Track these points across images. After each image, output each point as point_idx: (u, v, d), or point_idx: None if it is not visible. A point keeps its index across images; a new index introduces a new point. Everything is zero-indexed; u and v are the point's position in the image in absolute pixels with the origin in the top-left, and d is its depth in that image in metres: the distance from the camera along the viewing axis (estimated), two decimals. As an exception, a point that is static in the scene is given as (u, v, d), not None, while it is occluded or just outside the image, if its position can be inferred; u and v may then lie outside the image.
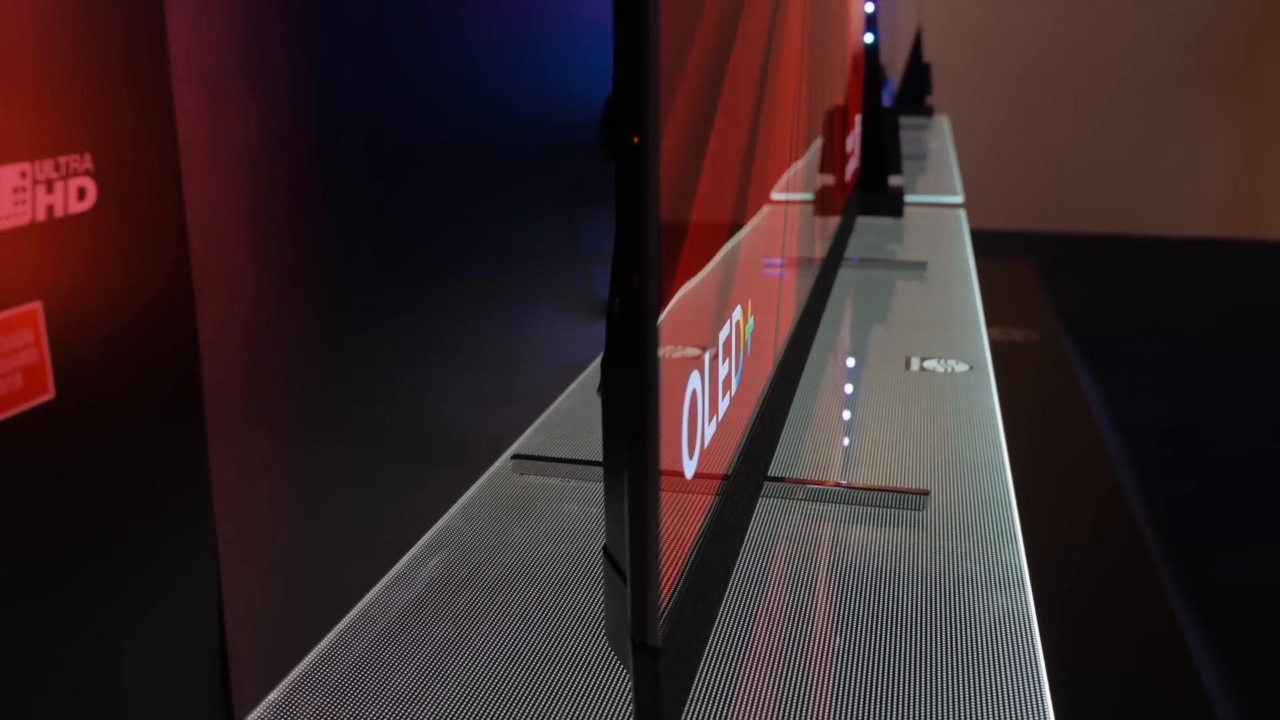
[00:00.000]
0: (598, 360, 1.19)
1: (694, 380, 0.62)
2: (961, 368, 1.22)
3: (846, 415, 1.12)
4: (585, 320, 1.20)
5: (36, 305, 0.43)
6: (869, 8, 2.26)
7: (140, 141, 0.48)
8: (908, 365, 1.23)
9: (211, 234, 0.55)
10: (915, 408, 1.10)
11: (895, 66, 4.10)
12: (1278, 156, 5.27)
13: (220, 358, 0.57)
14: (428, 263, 0.81)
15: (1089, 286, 4.53)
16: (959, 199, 2.34)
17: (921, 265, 1.70)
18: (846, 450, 1.02)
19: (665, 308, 0.54)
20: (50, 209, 0.44)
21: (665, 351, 0.54)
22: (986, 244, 4.73)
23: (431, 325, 0.83)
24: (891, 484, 0.91)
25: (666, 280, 0.55)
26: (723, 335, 0.69)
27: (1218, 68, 5.22)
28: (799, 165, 1.13)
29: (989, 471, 0.95)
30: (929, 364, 1.23)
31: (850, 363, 1.28)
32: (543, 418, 1.06)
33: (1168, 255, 5.06)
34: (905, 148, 3.14)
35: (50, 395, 0.44)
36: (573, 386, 1.15)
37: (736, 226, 0.77)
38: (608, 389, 0.54)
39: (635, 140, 0.50)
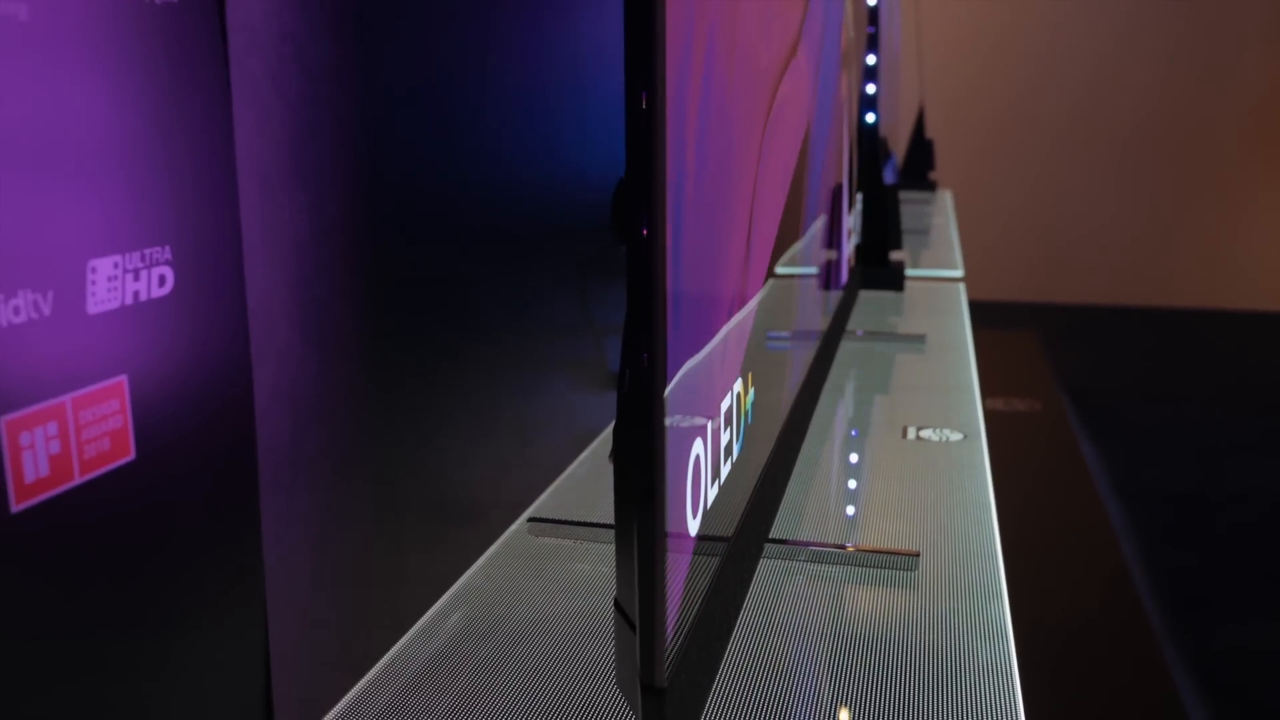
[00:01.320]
0: (609, 429, 1.25)
1: (698, 446, 0.68)
2: (956, 437, 1.28)
3: (845, 481, 1.17)
4: (597, 391, 1.26)
5: (123, 379, 0.50)
6: (870, 89, 2.36)
7: (209, 234, 0.55)
8: (904, 434, 1.29)
9: (265, 314, 0.62)
10: (910, 474, 1.16)
11: (899, 142, 4.20)
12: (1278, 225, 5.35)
13: (271, 425, 0.63)
14: (452, 337, 0.88)
15: (1093, 357, 4.58)
16: (959, 273, 2.41)
17: (920, 338, 1.77)
18: (844, 514, 1.07)
19: (671, 381, 0.60)
20: (136, 294, 0.50)
21: (671, 421, 0.60)
22: (991, 315, 4.81)
23: (454, 395, 0.90)
24: (885, 546, 0.96)
25: (673, 355, 0.61)
26: (724, 405, 0.75)
27: (1219, 141, 5.33)
28: (803, 242, 1.20)
29: (978, 534, 1.01)
30: (925, 433, 1.29)
31: (850, 431, 1.34)
32: (557, 483, 1.12)
33: (1171, 326, 5.12)
34: (908, 223, 3.23)
35: (131, 456, 0.50)
36: (585, 454, 1.21)
37: (741, 302, 0.83)
38: (619, 455, 0.60)
39: (644, 232, 0.56)
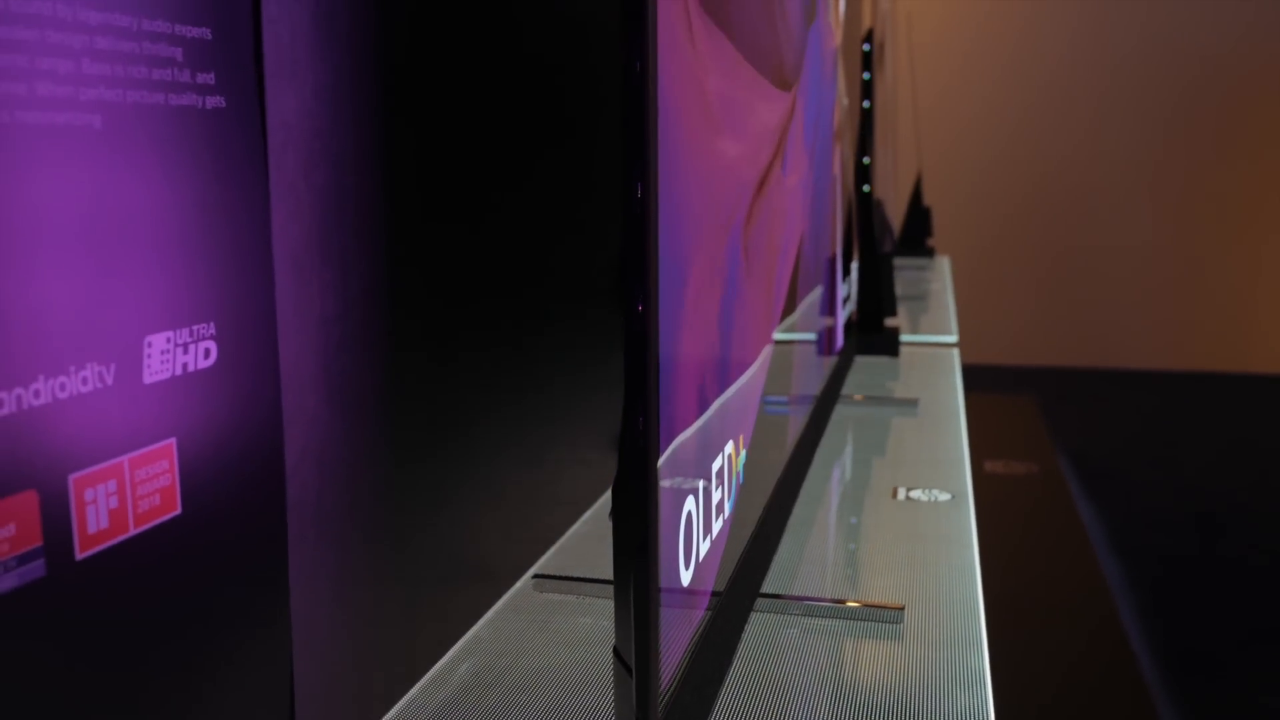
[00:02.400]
0: (608, 493, 1.30)
1: (689, 504, 0.73)
2: (944, 497, 1.33)
3: (836, 539, 1.22)
4: (598, 457, 1.32)
5: (172, 441, 0.56)
6: (865, 160, 2.44)
7: (248, 312, 0.61)
8: (895, 495, 1.34)
9: (295, 383, 0.68)
10: (899, 532, 1.21)
11: (897, 210, 4.29)
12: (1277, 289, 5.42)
13: (298, 483, 0.69)
14: (462, 402, 0.94)
15: (1092, 420, 4.63)
16: (953, 338, 2.47)
17: (914, 402, 1.82)
18: (834, 570, 1.12)
19: (667, 449, 0.66)
20: (185, 365, 0.56)
21: (664, 480, 0.66)
22: (989, 379, 4.86)
23: (465, 458, 0.95)
24: (872, 600, 1.01)
25: (667, 420, 0.67)
26: (715, 466, 0.81)
27: (1217, 204, 5.41)
28: (800, 309, 1.26)
29: (962, 588, 1.06)
30: (914, 493, 1.34)
31: (842, 491, 1.39)
32: (561, 542, 1.17)
33: (1171, 389, 5.17)
34: (906, 289, 3.30)
35: (178, 511, 0.56)
36: (587, 515, 1.27)
37: (736, 369, 0.89)
38: (617, 512, 0.66)
39: (639, 308, 0.63)
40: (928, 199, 4.58)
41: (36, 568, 0.48)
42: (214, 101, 0.58)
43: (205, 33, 0.57)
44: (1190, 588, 2.85)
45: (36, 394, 0.47)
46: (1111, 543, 3.11)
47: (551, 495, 1.18)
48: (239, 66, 0.60)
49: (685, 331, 0.72)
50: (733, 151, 0.86)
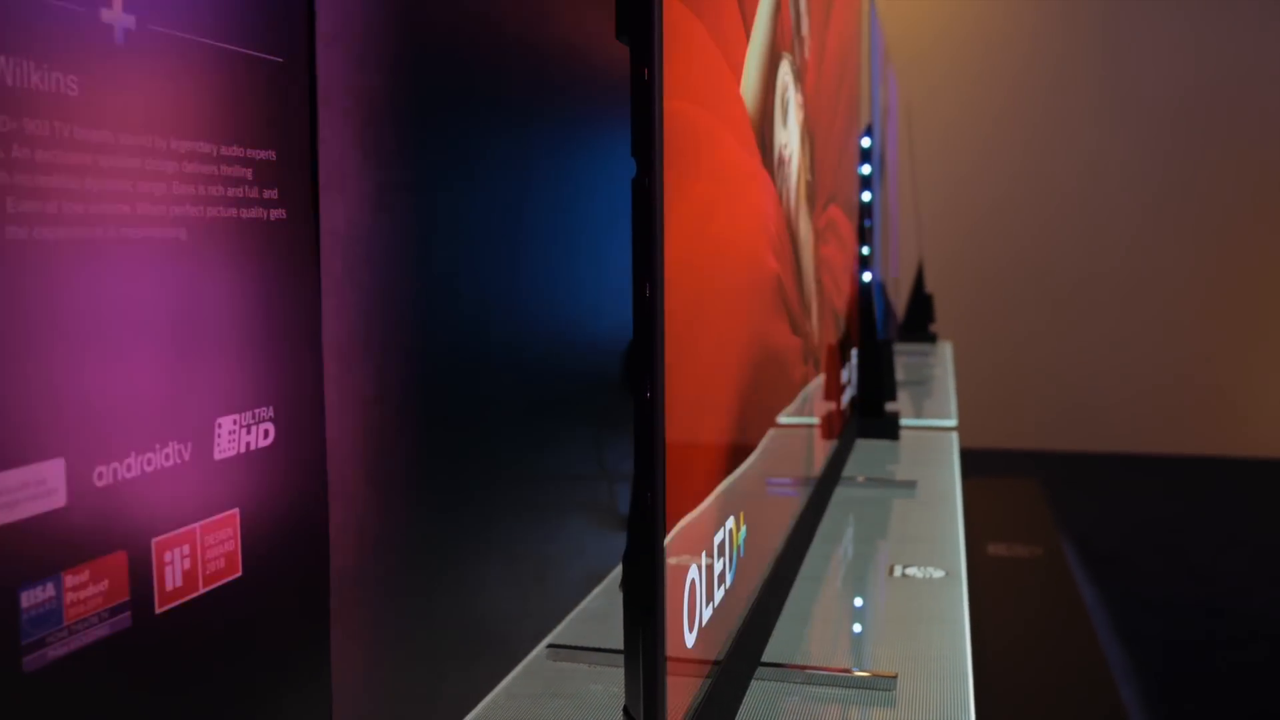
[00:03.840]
0: (619, 568, 1.37)
1: (693, 572, 0.80)
2: (939, 574, 1.39)
3: (834, 612, 1.29)
4: (609, 531, 1.38)
5: (236, 511, 0.63)
6: (864, 250, 2.53)
7: (300, 397, 0.69)
8: (891, 572, 1.41)
9: (339, 461, 0.76)
10: (894, 606, 1.27)
11: (900, 296, 4.39)
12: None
13: (339, 553, 0.76)
14: (483, 480, 1.01)
15: (1096, 504, 4.67)
16: (953, 422, 2.54)
17: (912, 484, 1.89)
18: (832, 640, 1.18)
19: (672, 529, 0.73)
20: (248, 444, 0.64)
21: (670, 553, 0.73)
22: (992, 463, 4.91)
23: (484, 534, 1.02)
24: (867, 669, 1.07)
25: (674, 499, 0.74)
26: (717, 539, 0.88)
27: (1220, 291, 5.50)
28: (801, 395, 1.34)
29: (952, 658, 1.12)
30: (910, 570, 1.41)
31: (840, 568, 1.45)
32: (574, 614, 1.24)
33: (1176, 473, 5.21)
34: (908, 374, 3.38)
35: (239, 573, 0.63)
36: (598, 589, 1.33)
37: (741, 452, 0.97)
38: (627, 584, 0.73)
39: (647, 395, 0.70)
40: (930, 285, 4.68)
41: (124, 619, 0.55)
42: (277, 214, 0.67)
43: (271, 154, 0.66)
44: (1194, 673, 2.88)
45: (129, 467, 0.55)
46: (1115, 627, 3.15)
47: (565, 567, 1.25)
48: (298, 182, 0.69)
49: (691, 417, 0.80)
50: (735, 250, 0.95)
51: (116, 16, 0.54)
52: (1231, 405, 5.51)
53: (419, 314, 0.88)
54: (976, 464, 4.15)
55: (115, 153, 0.53)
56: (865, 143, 2.69)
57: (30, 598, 0.50)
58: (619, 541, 1.39)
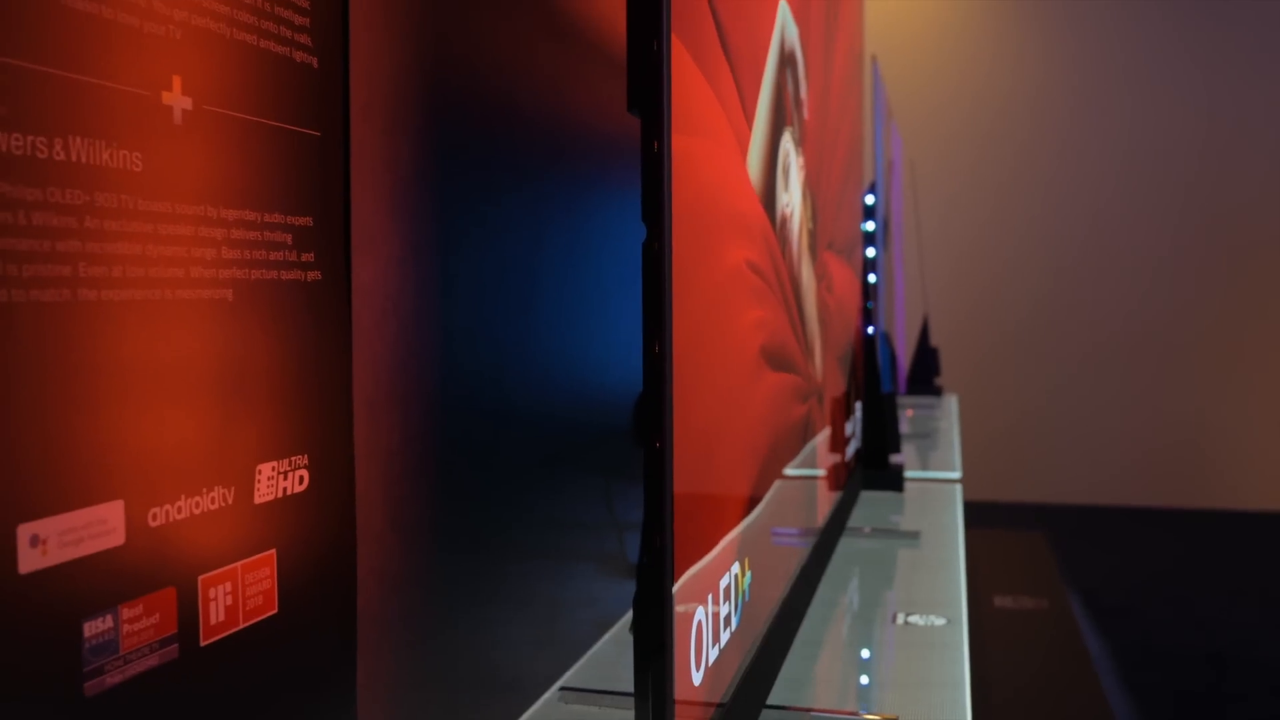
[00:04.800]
0: (628, 614, 1.40)
1: (699, 614, 0.84)
2: (940, 621, 1.43)
3: (838, 657, 1.32)
4: (618, 579, 1.42)
5: (273, 551, 0.68)
6: (869, 304, 2.58)
7: (332, 445, 0.74)
8: (894, 619, 1.44)
9: (366, 507, 0.80)
10: (895, 652, 1.31)
11: (906, 349, 4.43)
12: None
13: (365, 593, 0.80)
14: (497, 527, 1.06)
15: (1102, 557, 4.68)
16: (957, 474, 2.58)
17: (916, 534, 1.93)
18: (836, 684, 1.22)
19: (681, 575, 0.78)
20: (284, 490, 0.69)
21: (678, 599, 0.77)
22: (998, 516, 4.93)
23: (499, 578, 1.07)
24: (869, 711, 1.11)
25: (682, 545, 0.78)
26: (723, 583, 0.92)
27: (1228, 342, 5.54)
28: (806, 448, 1.38)
29: (952, 701, 1.15)
30: (912, 618, 1.44)
31: (844, 615, 1.49)
32: (585, 658, 1.28)
33: (1182, 527, 5.22)
34: (914, 427, 3.42)
35: (275, 610, 0.68)
36: (608, 635, 1.37)
37: (749, 502, 1.01)
38: (637, 626, 0.77)
39: (657, 445, 0.75)
40: (935, 339, 4.73)
41: (172, 650, 0.60)
42: (313, 275, 0.72)
43: (308, 221, 0.71)
44: (1200, 723, 2.88)
45: (179, 509, 0.60)
46: (1122, 678, 3.15)
47: (576, 613, 1.29)
48: (332, 245, 0.74)
49: (699, 467, 0.84)
50: (741, 308, 1.00)
51: (176, 99, 0.59)
52: (1236, 459, 5.52)
53: (440, 367, 0.93)
54: (982, 517, 4.17)
55: (173, 221, 0.59)
56: (869, 199, 2.76)
57: (92, 628, 0.54)
58: (627, 588, 1.42)
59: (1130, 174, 5.58)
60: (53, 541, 0.52)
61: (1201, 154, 5.51)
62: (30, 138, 0.50)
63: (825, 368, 1.64)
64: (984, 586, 3.53)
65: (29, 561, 0.50)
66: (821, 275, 1.61)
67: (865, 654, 1.35)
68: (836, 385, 1.81)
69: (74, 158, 0.53)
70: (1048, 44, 5.65)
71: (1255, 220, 5.47)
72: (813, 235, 1.51)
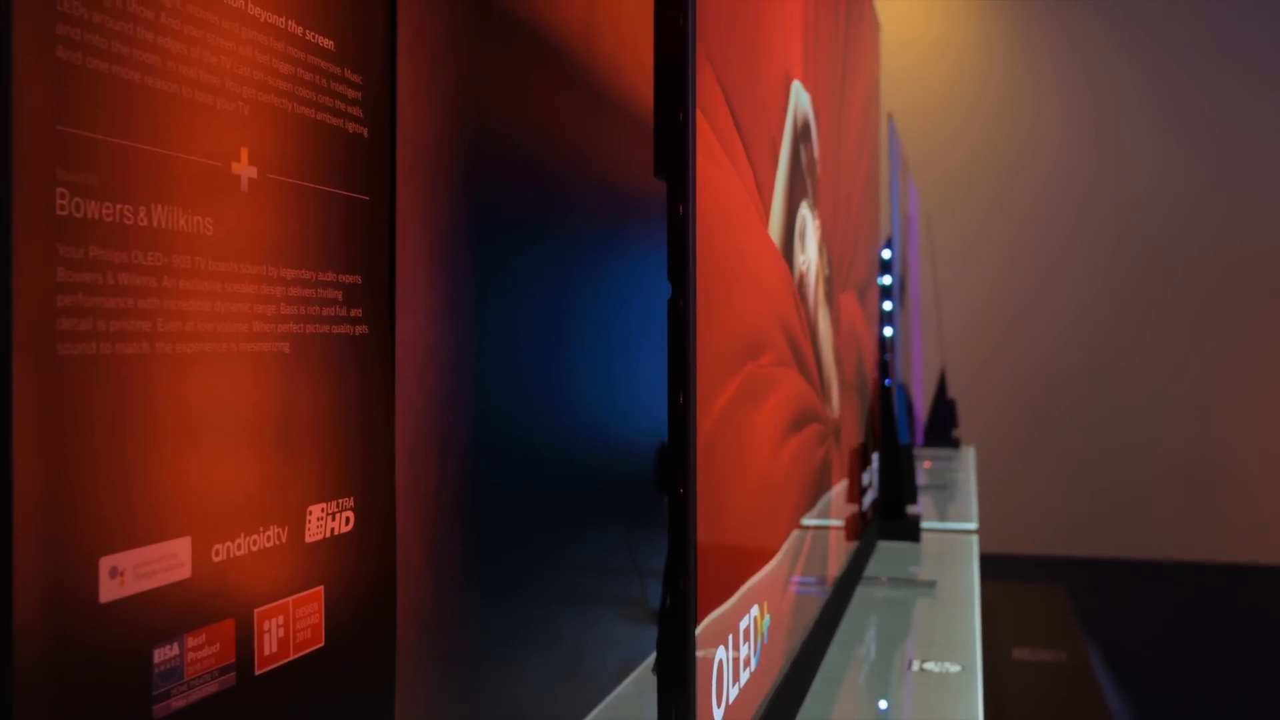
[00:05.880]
0: (650, 657, 1.44)
1: (720, 653, 0.88)
2: (955, 669, 1.46)
3: (854, 701, 1.35)
4: (640, 624, 1.46)
5: (321, 587, 0.72)
6: (886, 357, 2.63)
7: (375, 491, 0.78)
8: (909, 666, 1.47)
9: (405, 547, 0.85)
10: (910, 697, 1.34)
11: (924, 401, 4.46)
12: (1299, 487, 5.48)
13: (402, 629, 0.85)
14: (525, 570, 1.10)
15: (1121, 611, 4.66)
16: (973, 525, 2.60)
17: (932, 584, 1.95)
18: (853, 731, 1.25)
19: (704, 618, 0.82)
20: (332, 530, 0.73)
21: (701, 649, 0.81)
22: (1017, 569, 4.92)
23: (524, 619, 1.11)
24: (884, 754, 1.14)
25: (703, 589, 0.83)
26: (743, 624, 0.96)
27: (1246, 392, 5.54)
28: (824, 498, 1.42)
29: (966, 747, 1.18)
30: (928, 665, 1.47)
31: (861, 662, 1.52)
32: (607, 699, 1.31)
33: (1202, 580, 5.20)
34: (931, 478, 3.44)
35: (322, 643, 0.72)
36: (630, 679, 1.40)
37: (768, 549, 1.05)
38: (660, 665, 0.81)
39: (680, 491, 0.80)
40: (953, 391, 4.76)
41: (230, 678, 0.64)
42: (360, 329, 0.77)
43: (357, 279, 0.77)
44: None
45: (239, 546, 0.65)
46: (1141, 732, 3.15)
47: (599, 656, 1.32)
48: (378, 301, 0.79)
49: (719, 515, 0.89)
50: (761, 359, 1.04)
51: (243, 168, 0.65)
52: (1255, 512, 5.51)
53: (474, 415, 0.98)
54: (1001, 569, 4.17)
55: (238, 280, 0.64)
56: (886, 254, 2.81)
57: (161, 655, 0.59)
58: (648, 632, 1.46)
59: (1146, 228, 5.62)
60: (129, 574, 0.56)
61: (1218, 208, 5.55)
62: (118, 205, 0.56)
63: (844, 418, 1.68)
64: (1003, 638, 3.53)
65: (109, 591, 0.55)
66: (837, 318, 1.66)
67: (882, 704, 1.38)
68: (854, 436, 1.85)
69: (155, 223, 0.58)
70: (1064, 101, 5.73)
71: (1275, 273, 5.50)
72: (829, 282, 1.56)
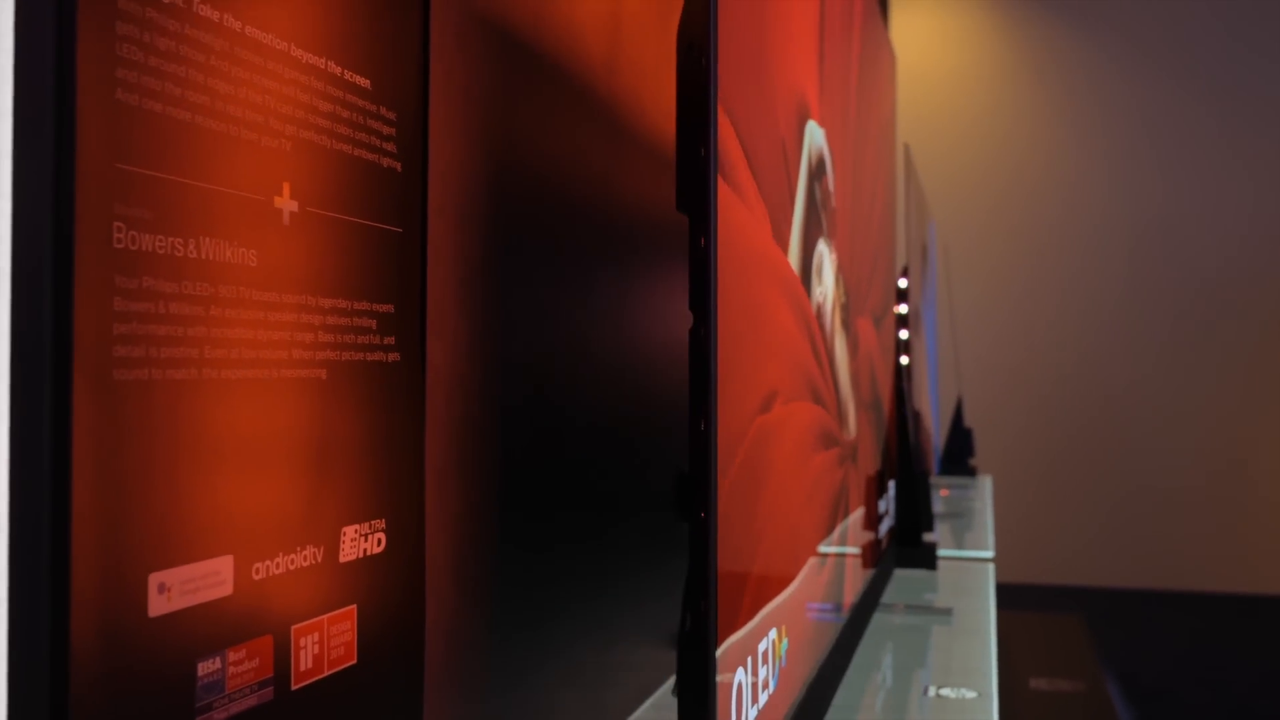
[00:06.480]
0: (669, 680, 1.46)
1: (740, 675, 0.90)
2: (971, 695, 1.47)
3: (873, 730, 1.37)
4: (660, 648, 1.48)
5: (354, 606, 0.75)
6: (902, 385, 2.64)
7: (406, 513, 0.81)
8: (925, 692, 1.48)
9: (434, 571, 0.87)
10: (928, 724, 1.35)
11: (941, 430, 4.47)
12: (1319, 517, 5.46)
13: (431, 651, 0.87)
14: (552, 593, 1.12)
15: (1139, 641, 4.65)
16: (990, 554, 2.61)
17: (948, 611, 1.97)
18: (869, 755, 1.26)
19: (724, 641, 0.84)
20: (365, 550, 0.76)
21: (722, 673, 0.84)
22: (1034, 598, 4.91)
23: (545, 645, 1.13)
24: (901, 777, 1.16)
25: (723, 612, 0.85)
26: (761, 647, 0.98)
27: (1266, 422, 5.53)
28: (841, 525, 1.44)
29: (982, 772, 1.20)
30: (944, 691, 1.48)
31: (878, 688, 1.53)
32: (628, 722, 1.33)
33: (1220, 611, 5.17)
34: (948, 507, 3.45)
35: (354, 661, 0.75)
36: (649, 702, 1.42)
37: (787, 575, 1.07)
38: (681, 688, 0.83)
39: (701, 515, 0.82)
40: (970, 420, 4.77)
41: (268, 693, 0.67)
42: (393, 356, 0.80)
43: (390, 308, 0.79)
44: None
45: (278, 565, 0.67)
46: (1160, 763, 3.13)
47: (621, 679, 1.34)
48: (410, 330, 0.82)
49: (738, 541, 0.91)
50: (781, 388, 1.07)
51: (285, 203, 0.68)
52: (1277, 542, 5.48)
53: (499, 441, 1.00)
54: (1018, 599, 4.16)
55: (279, 310, 0.67)
56: (902, 283, 2.83)
57: (204, 668, 0.61)
58: (667, 657, 1.48)
59: (1160, 256, 5.63)
60: (176, 589, 0.59)
61: (1232, 236, 5.55)
62: (170, 239, 0.58)
63: (860, 445, 1.70)
64: (1020, 668, 3.53)
65: (157, 606, 0.58)
66: (854, 343, 1.68)
67: (898, 725, 1.39)
68: (871, 464, 1.87)
69: (203, 255, 0.61)
70: (1078, 131, 5.75)
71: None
72: (845, 309, 1.59)
